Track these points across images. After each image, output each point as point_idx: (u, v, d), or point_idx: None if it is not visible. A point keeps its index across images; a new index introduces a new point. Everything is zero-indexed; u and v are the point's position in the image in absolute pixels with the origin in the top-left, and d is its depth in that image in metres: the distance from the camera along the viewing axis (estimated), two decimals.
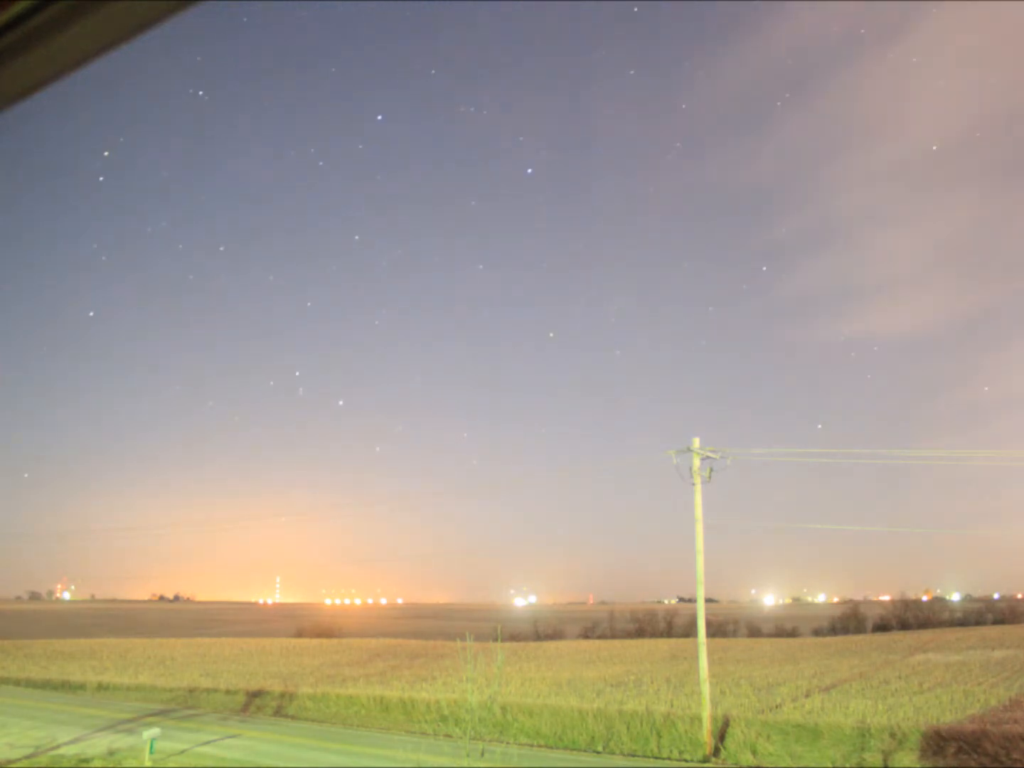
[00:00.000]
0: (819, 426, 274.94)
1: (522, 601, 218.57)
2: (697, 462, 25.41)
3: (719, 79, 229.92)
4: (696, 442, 25.62)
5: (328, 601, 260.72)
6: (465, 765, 20.35)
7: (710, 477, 25.29)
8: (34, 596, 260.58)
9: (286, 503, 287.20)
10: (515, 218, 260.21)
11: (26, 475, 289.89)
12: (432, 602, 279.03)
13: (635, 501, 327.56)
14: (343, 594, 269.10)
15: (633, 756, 25.29)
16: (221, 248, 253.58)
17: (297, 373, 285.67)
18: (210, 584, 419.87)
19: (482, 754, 21.10)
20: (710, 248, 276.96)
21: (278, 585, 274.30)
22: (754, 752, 24.11)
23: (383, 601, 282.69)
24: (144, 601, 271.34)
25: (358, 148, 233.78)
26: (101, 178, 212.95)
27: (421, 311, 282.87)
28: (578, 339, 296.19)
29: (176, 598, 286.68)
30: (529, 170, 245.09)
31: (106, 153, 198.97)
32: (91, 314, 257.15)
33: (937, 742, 22.43)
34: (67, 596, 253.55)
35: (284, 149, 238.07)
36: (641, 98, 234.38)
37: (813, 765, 23.11)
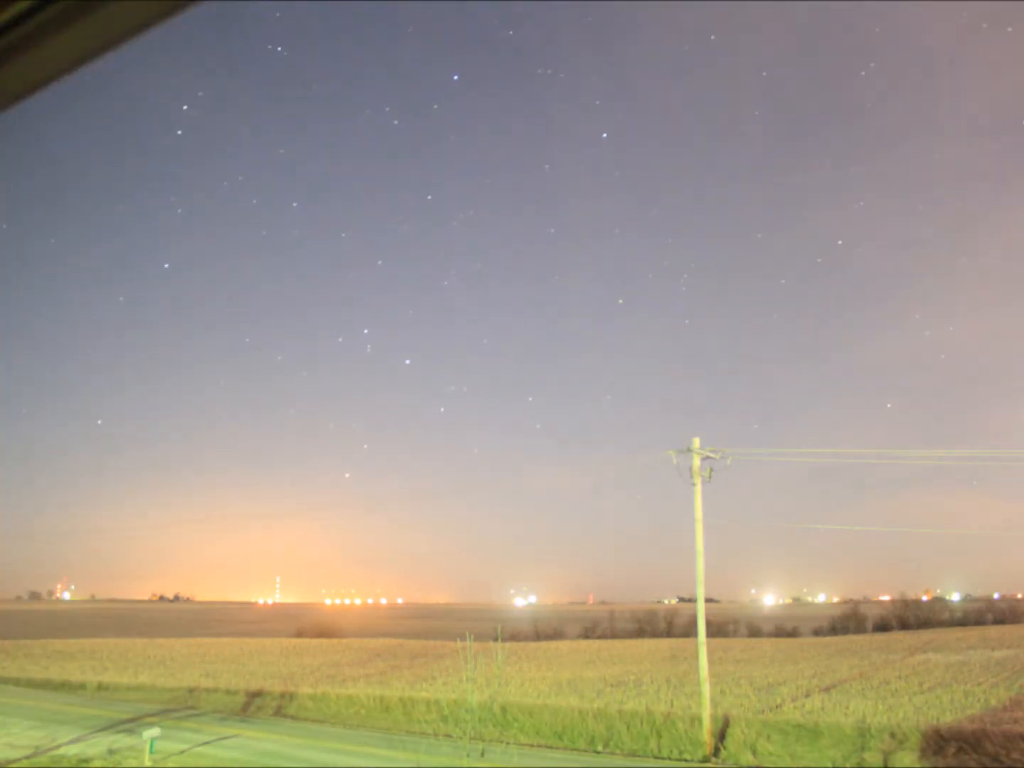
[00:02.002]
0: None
1: (522, 601, 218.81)
2: (697, 462, 25.41)
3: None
4: (696, 442, 25.62)
5: (328, 601, 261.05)
6: (465, 765, 20.36)
7: (710, 477, 25.30)
8: (34, 596, 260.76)
9: (286, 503, 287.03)
10: (588, 183, 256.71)
11: (26, 475, 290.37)
12: (432, 602, 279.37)
13: (635, 501, 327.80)
14: (343, 594, 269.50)
15: (633, 756, 25.29)
16: (294, 204, 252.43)
17: (365, 331, 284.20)
18: (210, 584, 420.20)
19: (482, 754, 21.12)
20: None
21: (278, 585, 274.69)
22: (754, 752, 24.12)
23: (383, 601, 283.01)
24: (144, 601, 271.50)
25: (433, 108, 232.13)
26: (179, 131, 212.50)
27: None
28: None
29: (176, 598, 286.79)
30: (604, 134, 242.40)
31: (185, 107, 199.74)
32: (166, 266, 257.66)
33: (937, 742, 22.44)
34: (67, 596, 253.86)
35: (360, 108, 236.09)
36: (720, 65, 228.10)
37: (813, 765, 23.11)
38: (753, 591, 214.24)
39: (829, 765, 22.91)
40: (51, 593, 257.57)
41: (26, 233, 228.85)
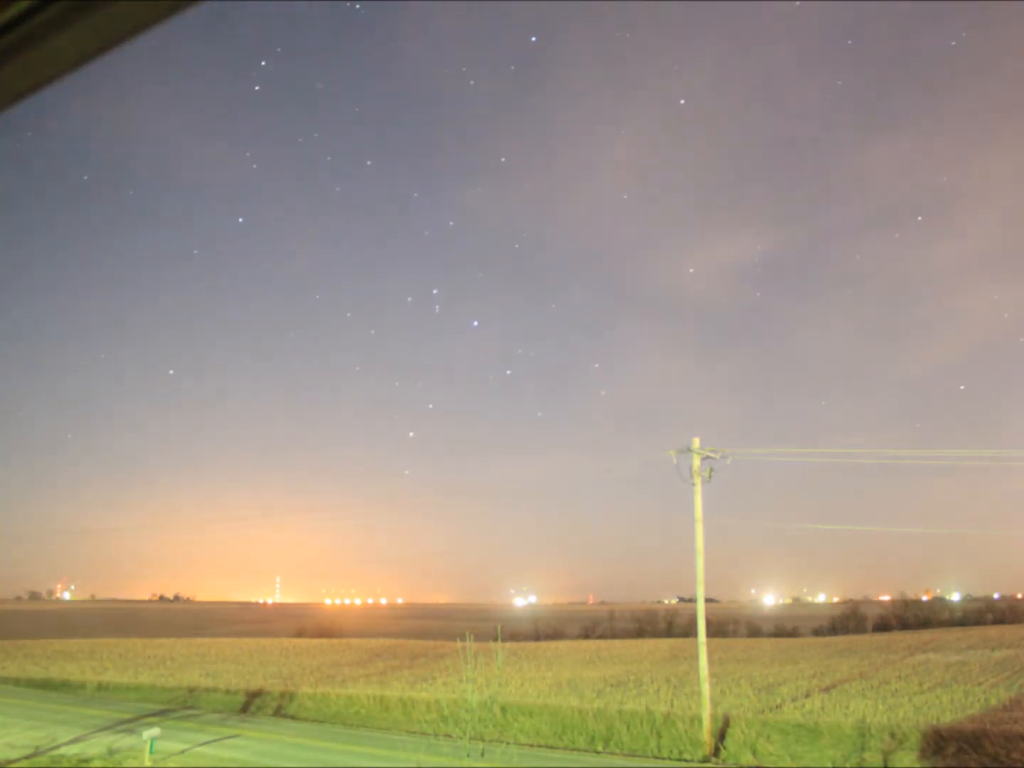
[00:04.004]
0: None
1: (522, 601, 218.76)
2: (697, 462, 25.40)
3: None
4: (696, 442, 25.62)
5: (328, 601, 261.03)
6: (465, 765, 20.35)
7: (710, 477, 25.29)
8: (34, 596, 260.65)
9: (286, 503, 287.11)
10: (663, 149, 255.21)
11: (26, 475, 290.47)
12: (432, 602, 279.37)
13: (635, 501, 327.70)
14: (343, 594, 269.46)
15: (633, 756, 25.29)
16: (368, 163, 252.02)
17: (435, 291, 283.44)
18: (210, 584, 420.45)
19: (482, 754, 21.11)
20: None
21: (278, 585, 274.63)
22: (754, 752, 24.12)
23: (383, 601, 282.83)
24: (144, 601, 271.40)
25: (510, 69, 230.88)
26: (257, 87, 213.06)
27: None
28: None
29: (176, 598, 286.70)
30: (682, 101, 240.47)
31: (263, 63, 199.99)
32: (240, 220, 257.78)
33: (937, 742, 22.44)
34: (67, 596, 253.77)
35: (436, 67, 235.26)
36: (804, 32, 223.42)
37: (813, 765, 23.11)
38: (753, 591, 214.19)
39: (829, 765, 22.91)
40: (51, 593, 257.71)
41: (102, 186, 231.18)
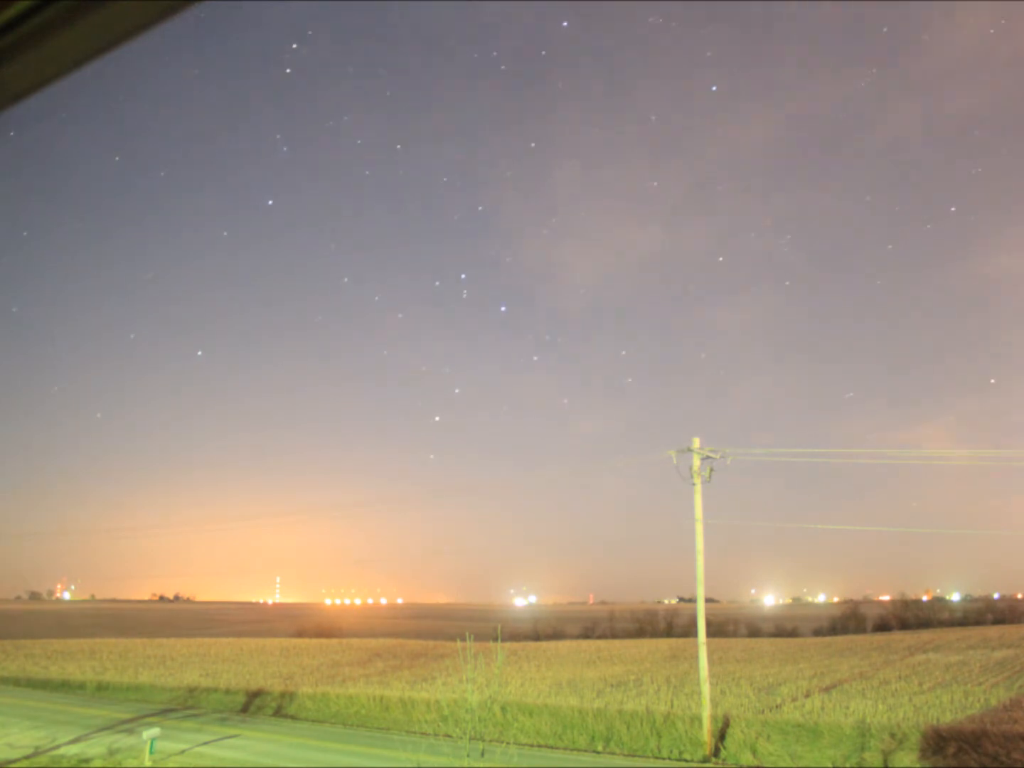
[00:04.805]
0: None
1: (522, 601, 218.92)
2: (697, 462, 25.41)
3: None
4: (696, 442, 25.62)
5: (328, 601, 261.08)
6: (465, 765, 20.36)
7: (710, 477, 25.30)
8: (34, 596, 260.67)
9: (286, 503, 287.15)
10: (694, 135, 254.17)
11: (26, 475, 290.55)
12: (432, 602, 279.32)
13: (635, 501, 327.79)
14: (343, 594, 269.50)
15: (633, 756, 25.30)
16: (398, 147, 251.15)
17: (463, 276, 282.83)
18: (210, 584, 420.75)
19: (482, 754, 21.10)
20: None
21: (278, 585, 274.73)
22: (754, 752, 24.12)
23: (383, 601, 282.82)
24: (144, 601, 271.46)
25: (541, 55, 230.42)
26: (288, 70, 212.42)
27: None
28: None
29: (176, 598, 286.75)
30: (714, 87, 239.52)
31: (295, 46, 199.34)
32: (270, 202, 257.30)
33: (937, 742, 22.44)
34: (67, 596, 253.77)
35: (467, 52, 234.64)
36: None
37: (813, 765, 23.11)
38: (753, 591, 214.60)
39: (829, 765, 22.91)
40: (51, 593, 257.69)
41: (133, 166, 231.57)
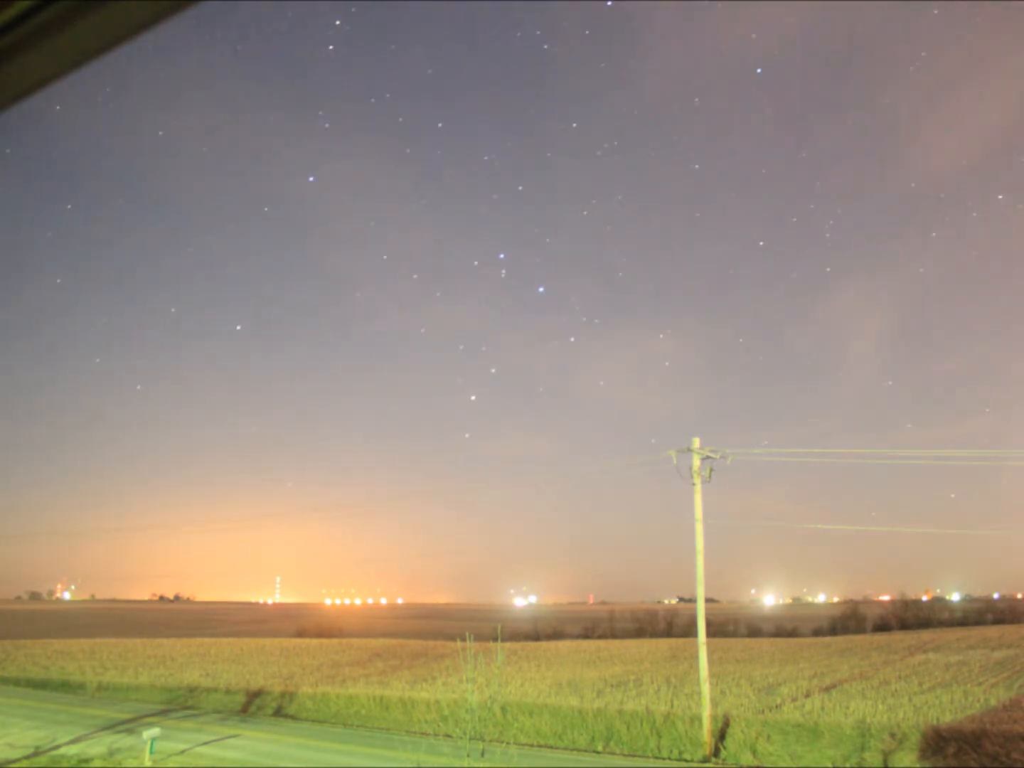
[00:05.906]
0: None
1: (522, 601, 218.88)
2: (697, 462, 25.41)
3: None
4: (696, 442, 25.62)
5: (328, 601, 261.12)
6: (465, 765, 20.36)
7: (710, 477, 25.30)
8: (34, 596, 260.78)
9: (286, 503, 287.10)
10: (737, 117, 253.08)
11: (26, 475, 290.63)
12: (432, 602, 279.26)
13: (635, 501, 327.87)
14: (343, 594, 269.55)
15: (633, 756, 25.30)
16: (439, 125, 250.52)
17: (501, 256, 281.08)
18: (210, 584, 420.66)
19: (482, 754, 21.11)
20: None
21: (278, 585, 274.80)
22: (754, 752, 24.12)
23: (383, 601, 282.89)
24: (144, 601, 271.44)
25: (585, 33, 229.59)
26: (331, 47, 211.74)
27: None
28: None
29: (176, 598, 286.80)
30: (759, 69, 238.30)
31: (337, 22, 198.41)
32: (311, 179, 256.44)
33: (937, 742, 22.44)
34: (67, 596, 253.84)
35: (511, 32, 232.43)
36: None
37: (813, 765, 23.11)
38: (753, 591, 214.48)
39: (829, 765, 22.91)
40: (51, 593, 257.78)
41: (171, 144, 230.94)
